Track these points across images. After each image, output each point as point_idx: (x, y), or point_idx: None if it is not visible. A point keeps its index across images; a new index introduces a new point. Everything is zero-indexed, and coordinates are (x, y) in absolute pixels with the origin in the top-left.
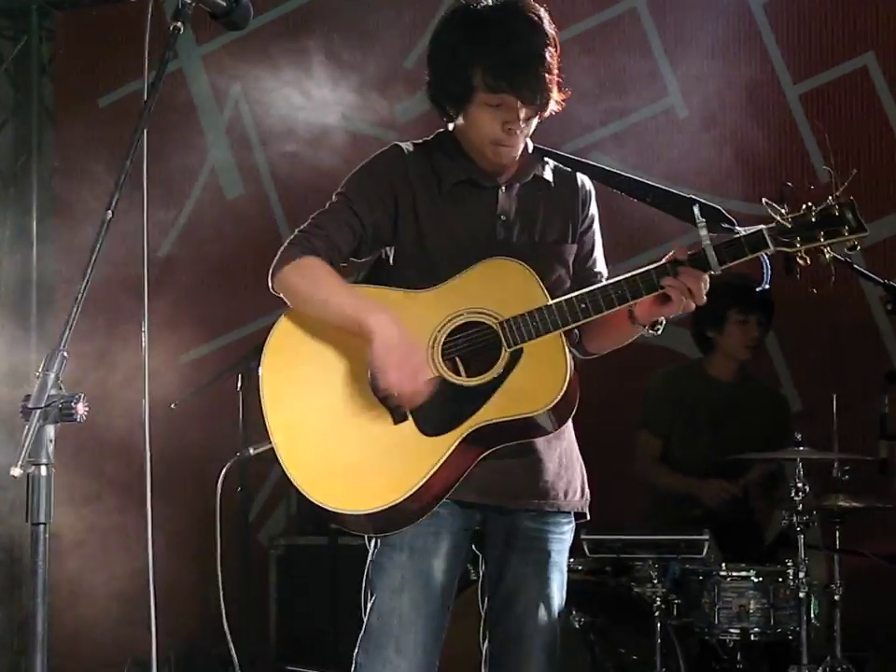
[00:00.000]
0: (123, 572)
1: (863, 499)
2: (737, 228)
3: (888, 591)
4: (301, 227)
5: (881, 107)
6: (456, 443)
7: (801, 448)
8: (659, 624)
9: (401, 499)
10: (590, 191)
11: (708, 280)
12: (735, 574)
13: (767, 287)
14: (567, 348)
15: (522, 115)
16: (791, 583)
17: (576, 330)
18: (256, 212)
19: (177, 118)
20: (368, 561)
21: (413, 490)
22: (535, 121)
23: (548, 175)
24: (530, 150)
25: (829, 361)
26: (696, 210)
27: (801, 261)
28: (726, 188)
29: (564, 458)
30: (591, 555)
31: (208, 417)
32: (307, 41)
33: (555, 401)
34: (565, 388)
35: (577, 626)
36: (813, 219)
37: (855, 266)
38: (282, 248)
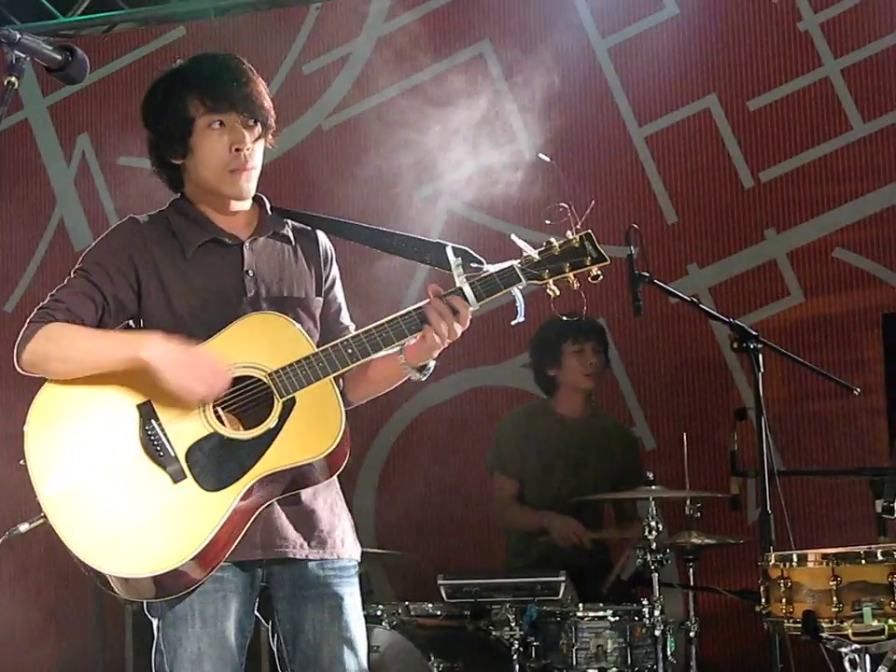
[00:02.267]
0: None
1: (716, 536)
2: (486, 266)
3: (742, 626)
4: (41, 304)
5: (724, 148)
6: (240, 496)
7: (653, 487)
8: (518, 667)
9: (190, 558)
10: (330, 250)
11: (468, 317)
12: (591, 614)
13: (522, 319)
14: (338, 394)
15: (246, 136)
16: (647, 621)
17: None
18: None
19: (23, 170)
20: (157, 631)
21: (202, 547)
22: (261, 147)
23: (288, 232)
24: (268, 209)
25: (679, 400)
26: (449, 251)
27: (551, 293)
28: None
29: (335, 508)
30: (448, 600)
31: None
32: None
33: (334, 447)
34: (341, 433)
35: None
36: (557, 252)
37: (702, 306)
38: (23, 329)
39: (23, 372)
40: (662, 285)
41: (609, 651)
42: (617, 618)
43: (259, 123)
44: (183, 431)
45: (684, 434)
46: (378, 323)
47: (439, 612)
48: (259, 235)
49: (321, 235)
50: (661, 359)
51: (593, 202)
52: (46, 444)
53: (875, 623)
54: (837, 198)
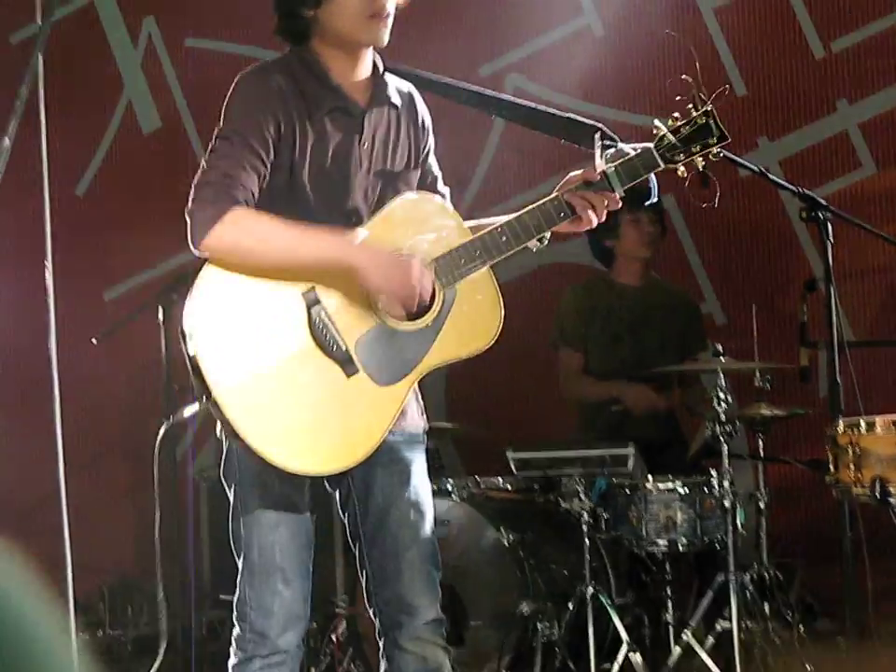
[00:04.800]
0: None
1: (785, 407)
2: (621, 145)
3: (812, 497)
4: (205, 178)
5: (794, 17)
6: (411, 390)
7: (722, 358)
8: (588, 539)
9: (371, 450)
10: (428, 118)
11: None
12: (660, 486)
13: (656, 199)
14: (495, 281)
15: None
16: (717, 493)
17: None
18: (174, 146)
19: (91, 53)
20: (234, 500)
21: (377, 443)
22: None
23: (396, 99)
24: (381, 71)
25: (749, 273)
26: (597, 135)
27: (681, 174)
28: (643, 105)
29: None
30: (518, 473)
31: (132, 352)
32: None
33: (496, 335)
34: (501, 323)
35: (506, 544)
36: (688, 133)
37: (771, 176)
38: (195, 208)
39: (199, 253)
40: (731, 156)
41: (678, 522)
42: (686, 490)
43: None
44: (351, 322)
45: (753, 306)
46: (528, 210)
47: (508, 485)
48: (374, 105)
49: (420, 102)
50: (730, 233)
51: (727, 87)
52: (217, 333)
53: None
54: None
